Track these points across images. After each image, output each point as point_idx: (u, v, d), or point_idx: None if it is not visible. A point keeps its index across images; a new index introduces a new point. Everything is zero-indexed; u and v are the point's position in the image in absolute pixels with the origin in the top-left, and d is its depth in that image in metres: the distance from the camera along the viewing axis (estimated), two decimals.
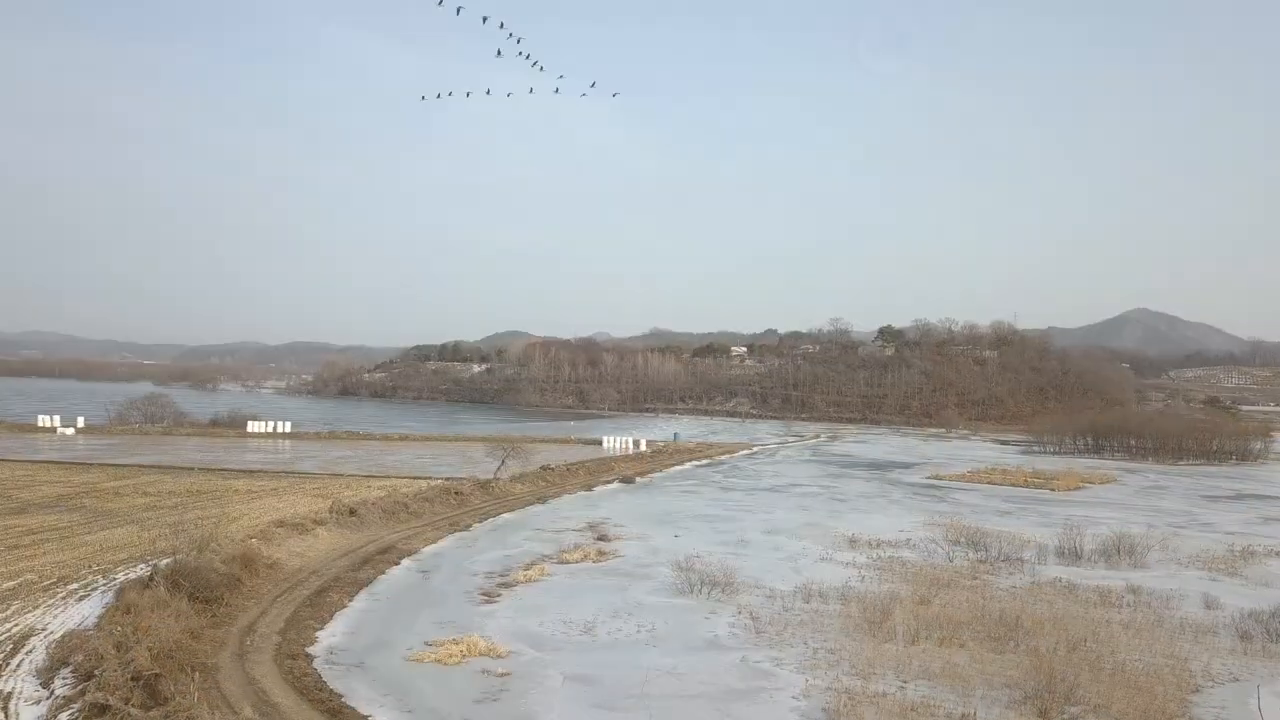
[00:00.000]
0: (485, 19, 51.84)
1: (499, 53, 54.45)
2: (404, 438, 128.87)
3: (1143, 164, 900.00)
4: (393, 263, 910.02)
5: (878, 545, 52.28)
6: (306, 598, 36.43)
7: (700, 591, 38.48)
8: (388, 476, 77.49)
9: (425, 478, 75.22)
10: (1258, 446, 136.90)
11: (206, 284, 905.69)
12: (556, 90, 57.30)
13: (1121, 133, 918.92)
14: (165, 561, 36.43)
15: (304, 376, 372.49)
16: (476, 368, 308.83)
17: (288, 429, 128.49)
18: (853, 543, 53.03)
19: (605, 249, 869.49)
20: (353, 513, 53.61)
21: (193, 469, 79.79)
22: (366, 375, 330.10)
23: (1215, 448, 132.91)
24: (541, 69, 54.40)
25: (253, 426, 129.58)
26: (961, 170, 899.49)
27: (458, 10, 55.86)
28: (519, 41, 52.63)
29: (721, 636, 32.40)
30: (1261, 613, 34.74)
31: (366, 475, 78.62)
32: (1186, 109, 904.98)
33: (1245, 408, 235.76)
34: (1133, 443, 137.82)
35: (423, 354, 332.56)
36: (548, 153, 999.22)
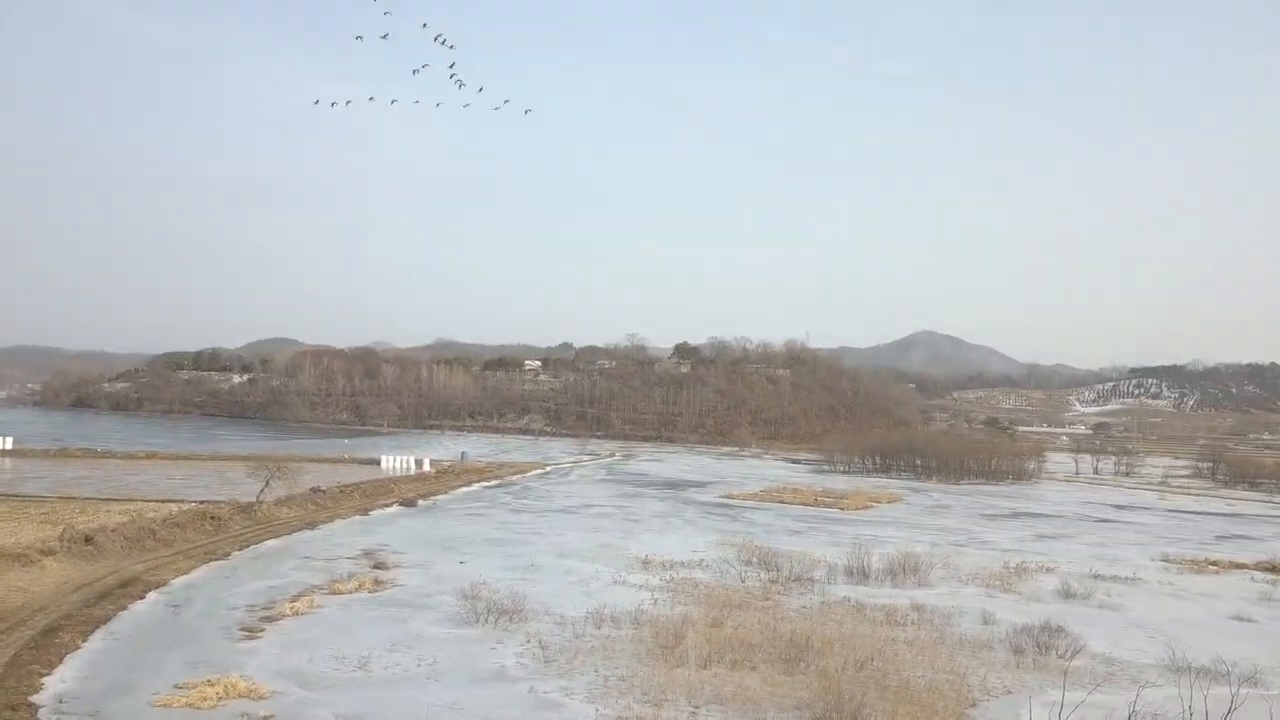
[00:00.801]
0: (425, 25, 50.47)
1: (423, 66, 52.56)
2: (151, 455, 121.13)
3: (934, 189, 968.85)
4: (136, 260, 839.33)
5: (671, 566, 53.72)
6: (30, 639, 33.47)
7: (486, 620, 38.21)
8: (132, 500, 72.47)
9: (177, 501, 70.89)
10: (1031, 466, 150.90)
11: None
12: (467, 105, 56.38)
13: (915, 158, 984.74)
14: None
15: (30, 385, 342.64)
16: (237, 378, 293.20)
17: (8, 445, 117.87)
18: (646, 564, 54.24)
19: (387, 250, 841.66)
20: (89, 540, 49.72)
21: None
22: (106, 385, 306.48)
23: (994, 467, 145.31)
24: (463, 85, 53.26)
25: None
26: (761, 192, 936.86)
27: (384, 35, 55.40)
28: (452, 49, 51.23)
29: (508, 667, 32.33)
30: (1033, 627, 38.15)
31: (106, 498, 73.23)
32: (973, 140, 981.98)
33: (1021, 428, 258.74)
34: (918, 462, 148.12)
35: (174, 362, 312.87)
36: (334, 152, 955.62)
